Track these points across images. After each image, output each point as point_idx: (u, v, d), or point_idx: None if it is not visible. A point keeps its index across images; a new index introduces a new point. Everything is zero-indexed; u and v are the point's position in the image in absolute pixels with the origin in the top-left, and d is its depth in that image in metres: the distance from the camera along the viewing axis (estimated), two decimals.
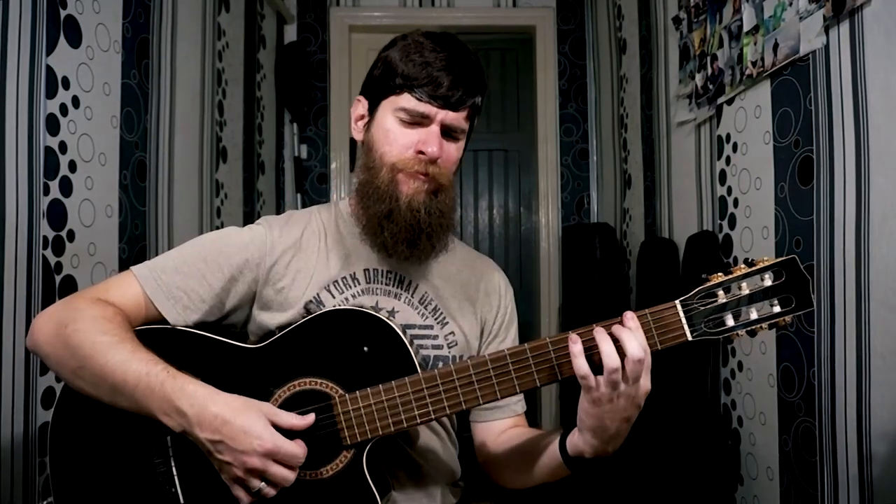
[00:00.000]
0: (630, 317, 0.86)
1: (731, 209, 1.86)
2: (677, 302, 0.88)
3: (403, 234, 1.00)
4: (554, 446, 0.96)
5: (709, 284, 0.88)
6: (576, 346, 0.85)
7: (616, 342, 0.84)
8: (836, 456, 1.38)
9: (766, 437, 1.67)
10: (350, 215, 1.11)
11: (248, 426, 0.84)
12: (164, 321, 1.00)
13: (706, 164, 2.02)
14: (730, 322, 0.88)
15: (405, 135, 1.01)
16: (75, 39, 1.52)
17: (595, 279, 2.70)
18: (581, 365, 0.85)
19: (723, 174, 1.91)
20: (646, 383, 0.85)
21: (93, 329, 0.91)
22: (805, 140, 1.49)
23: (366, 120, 1.07)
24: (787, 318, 0.87)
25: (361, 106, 1.08)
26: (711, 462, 1.85)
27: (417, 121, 1.00)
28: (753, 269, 0.88)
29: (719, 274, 0.89)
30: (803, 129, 1.50)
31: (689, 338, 0.88)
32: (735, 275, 0.88)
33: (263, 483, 0.85)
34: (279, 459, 0.84)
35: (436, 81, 0.98)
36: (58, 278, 1.44)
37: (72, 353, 0.91)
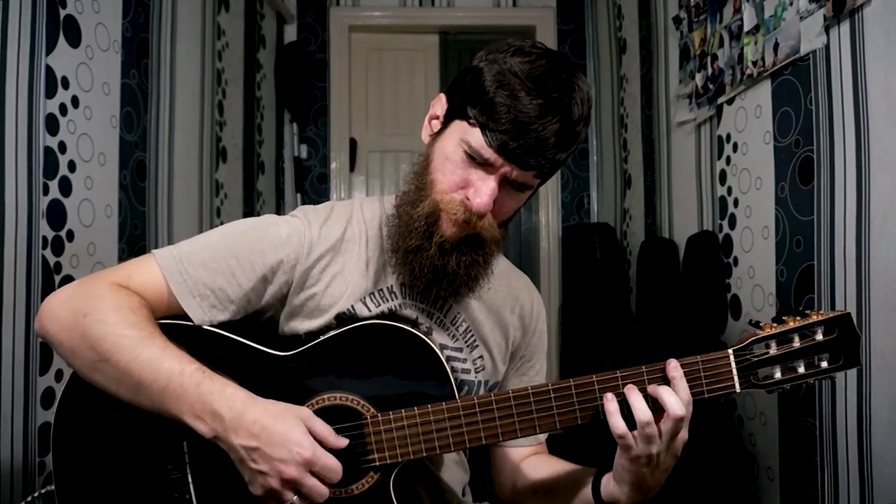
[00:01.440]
0: (674, 366, 0.83)
1: (731, 209, 1.85)
2: (731, 351, 0.86)
3: (423, 273, 0.92)
4: (587, 491, 0.93)
5: (762, 335, 0.87)
6: (611, 405, 0.82)
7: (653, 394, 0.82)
8: (836, 456, 1.38)
9: (767, 437, 1.67)
10: (394, 218, 0.99)
11: (288, 433, 0.79)
12: (186, 315, 0.93)
13: (706, 164, 2.02)
14: (777, 375, 0.87)
15: (461, 171, 0.89)
16: (75, 39, 1.52)
17: (595, 279, 2.69)
18: (618, 424, 0.81)
19: (723, 174, 1.91)
20: (685, 434, 0.83)
21: (118, 321, 0.84)
22: (805, 140, 1.49)
23: (437, 126, 0.95)
24: (834, 375, 0.87)
25: (440, 106, 0.95)
26: (720, 464, 1.85)
27: (482, 162, 0.87)
28: (807, 322, 0.87)
29: (773, 325, 0.87)
30: (804, 129, 1.50)
31: (738, 389, 0.86)
32: (789, 327, 0.87)
33: (297, 497, 0.80)
34: (316, 471, 0.80)
35: (513, 134, 0.84)
36: (57, 278, 1.44)
37: (91, 345, 0.84)
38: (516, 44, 0.90)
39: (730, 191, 1.86)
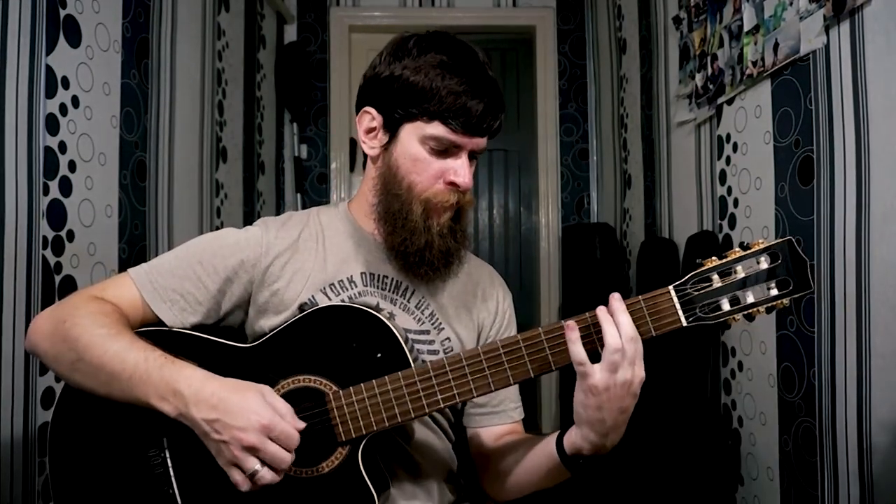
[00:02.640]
0: (616, 297, 0.86)
1: (731, 209, 1.86)
2: (670, 287, 0.86)
3: (438, 262, 1.01)
4: (551, 446, 0.94)
5: (702, 269, 0.87)
6: (573, 333, 0.85)
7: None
8: (836, 456, 1.38)
9: (767, 438, 1.67)
10: (351, 219, 1.10)
11: (245, 402, 0.84)
12: (162, 323, 1.01)
13: (706, 164, 2.02)
14: (725, 307, 0.86)
15: (435, 164, 0.99)
16: (75, 39, 1.52)
17: (595, 279, 2.69)
18: (578, 351, 0.84)
19: (723, 174, 1.91)
20: (640, 371, 0.84)
21: (91, 323, 0.92)
22: (805, 140, 1.49)
23: (382, 137, 1.03)
24: (785, 301, 0.85)
25: (372, 119, 1.03)
26: (712, 462, 1.85)
27: (447, 148, 0.99)
28: (749, 251, 0.86)
29: (713, 258, 0.87)
30: (803, 129, 1.50)
31: (684, 323, 0.86)
32: (729, 258, 0.86)
33: (259, 464, 0.84)
34: (275, 437, 0.84)
35: (469, 112, 0.96)
36: (57, 278, 1.44)
37: (70, 346, 0.92)
38: (412, 40, 1.00)
39: (730, 191, 1.86)
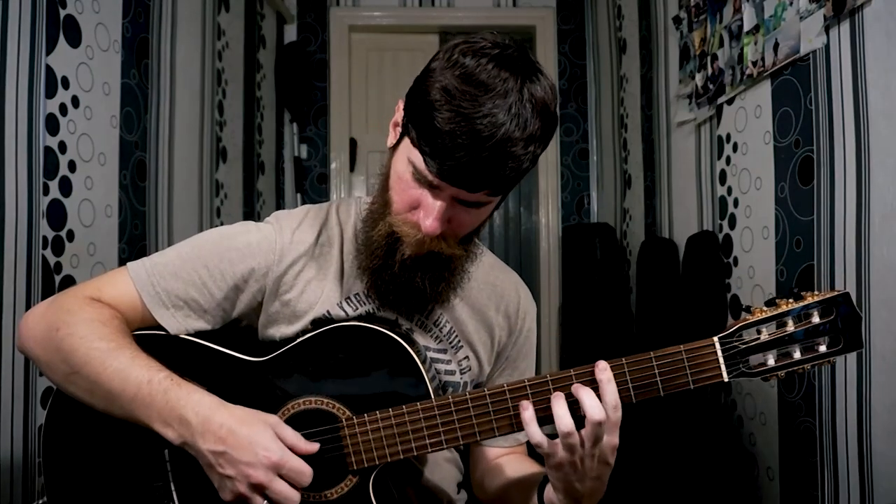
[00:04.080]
0: (601, 368, 0.79)
1: (731, 209, 1.85)
2: (716, 339, 0.80)
3: (392, 291, 0.91)
4: (534, 494, 0.90)
5: (751, 320, 0.81)
6: (526, 413, 0.79)
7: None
8: (836, 456, 1.38)
9: (767, 437, 1.67)
10: (361, 233, 0.97)
11: (255, 437, 0.78)
12: (160, 324, 0.94)
13: (706, 164, 2.02)
14: (771, 362, 0.80)
15: (413, 191, 0.85)
16: (75, 39, 1.52)
17: (595, 279, 2.69)
18: (534, 433, 0.79)
19: (723, 174, 1.91)
20: (611, 440, 0.79)
21: (88, 334, 0.85)
22: (805, 140, 1.49)
23: (396, 136, 0.91)
24: (834, 360, 0.80)
25: (399, 115, 0.90)
26: (719, 463, 1.85)
27: (428, 182, 0.83)
28: (802, 304, 0.80)
29: (763, 308, 0.81)
30: (804, 129, 1.50)
31: (726, 378, 0.80)
32: (781, 310, 0.80)
33: (266, 502, 0.79)
34: (284, 475, 0.79)
35: (451, 158, 0.78)
36: (57, 278, 1.44)
37: (64, 358, 0.85)
38: (472, 43, 0.82)
39: (730, 191, 1.86)
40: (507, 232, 3.58)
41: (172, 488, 0.89)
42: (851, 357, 1.33)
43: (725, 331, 0.81)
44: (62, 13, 1.47)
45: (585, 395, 0.78)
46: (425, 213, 0.84)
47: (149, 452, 0.90)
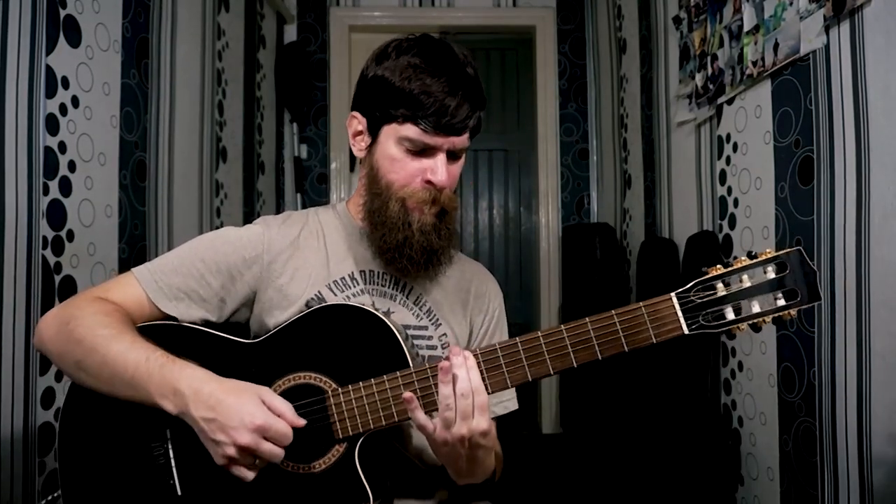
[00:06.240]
0: (456, 352, 0.87)
1: (731, 209, 1.86)
2: (673, 294, 0.86)
3: (419, 257, 1.02)
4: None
5: (707, 277, 0.86)
6: (411, 404, 0.88)
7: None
8: (836, 456, 1.38)
9: (767, 438, 1.67)
10: (349, 217, 1.13)
11: (242, 403, 0.87)
12: (166, 318, 1.03)
13: (706, 164, 2.02)
14: (730, 315, 0.85)
15: (412, 163, 1.01)
16: (75, 39, 1.52)
17: (595, 279, 2.70)
18: (419, 417, 0.88)
19: (723, 174, 1.91)
20: (479, 423, 0.86)
21: (94, 324, 0.95)
22: (805, 140, 1.49)
23: (366, 140, 1.06)
24: (793, 312, 0.84)
25: (358, 123, 1.07)
26: (712, 462, 1.85)
27: (423, 149, 1.00)
28: (756, 261, 0.85)
29: (718, 266, 0.86)
30: (804, 129, 1.50)
31: (686, 331, 0.85)
32: (735, 267, 0.85)
33: (257, 461, 0.88)
34: (269, 437, 0.86)
35: (440, 111, 0.97)
36: (57, 278, 1.44)
37: (74, 347, 0.95)
38: (393, 44, 1.03)
39: (730, 191, 1.86)
40: (507, 232, 3.58)
41: (172, 465, 0.97)
42: (851, 357, 1.33)
43: (682, 287, 0.86)
44: (62, 13, 1.47)
45: (457, 371, 0.87)
46: (433, 171, 1.00)
47: (152, 432, 0.97)
